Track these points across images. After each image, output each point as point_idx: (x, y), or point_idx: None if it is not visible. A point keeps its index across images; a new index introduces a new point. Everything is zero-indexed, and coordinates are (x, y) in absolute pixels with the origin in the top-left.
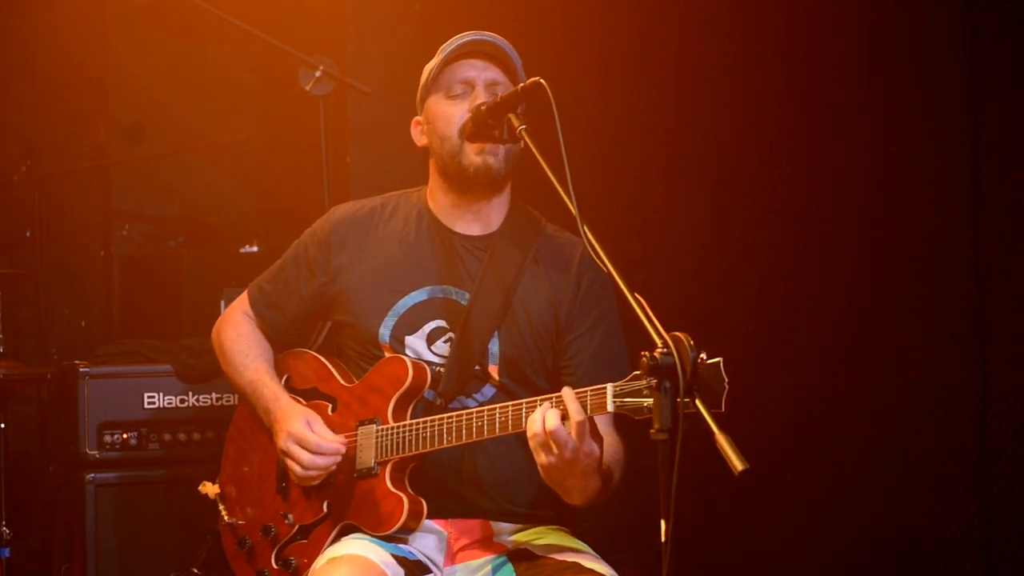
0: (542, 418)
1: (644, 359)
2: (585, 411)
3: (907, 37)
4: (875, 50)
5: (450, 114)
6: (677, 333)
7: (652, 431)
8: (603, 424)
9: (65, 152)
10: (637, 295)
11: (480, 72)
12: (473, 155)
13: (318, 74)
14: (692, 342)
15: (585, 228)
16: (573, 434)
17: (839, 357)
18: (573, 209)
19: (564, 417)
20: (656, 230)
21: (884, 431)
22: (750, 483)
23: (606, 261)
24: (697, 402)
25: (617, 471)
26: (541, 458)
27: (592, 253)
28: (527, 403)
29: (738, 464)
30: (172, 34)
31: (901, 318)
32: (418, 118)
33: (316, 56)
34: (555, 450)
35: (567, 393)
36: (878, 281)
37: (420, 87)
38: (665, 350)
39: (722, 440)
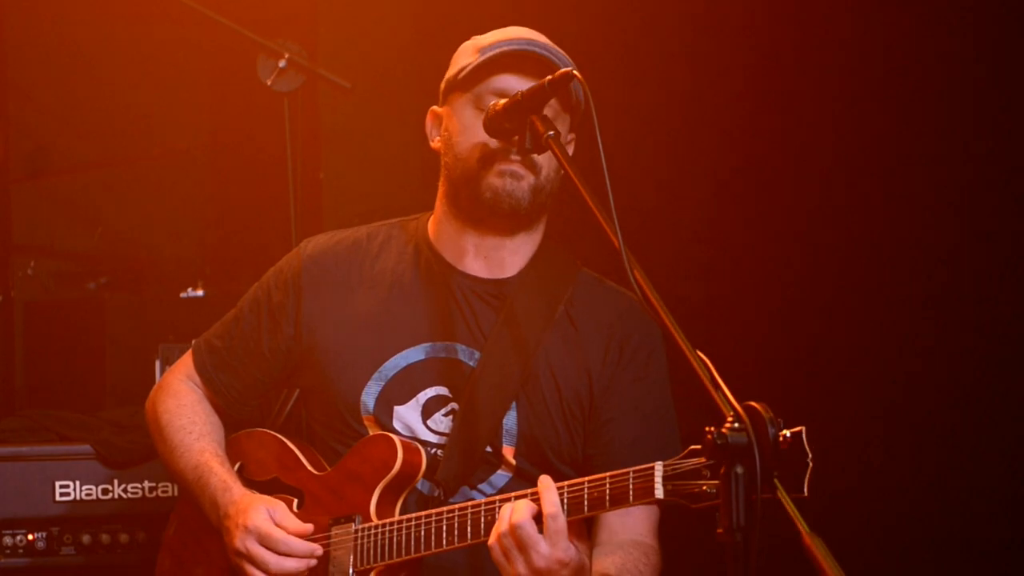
0: (509, 511)
1: (710, 436)
2: (627, 497)
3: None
4: (944, 54)
5: (475, 130)
6: (752, 403)
7: (720, 531)
8: (636, 524)
9: None
10: (701, 354)
11: (524, 86)
12: (493, 178)
13: (282, 64)
14: (772, 414)
15: (634, 271)
16: (544, 532)
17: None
18: (616, 240)
19: (538, 515)
20: (727, 270)
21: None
22: None
23: (660, 309)
24: (780, 493)
25: None
26: (507, 571)
27: (642, 299)
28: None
29: None
30: (92, 14)
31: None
32: (437, 110)
33: (280, 40)
34: (520, 555)
35: (543, 481)
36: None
37: (448, 75)
38: (737, 425)
39: (813, 546)
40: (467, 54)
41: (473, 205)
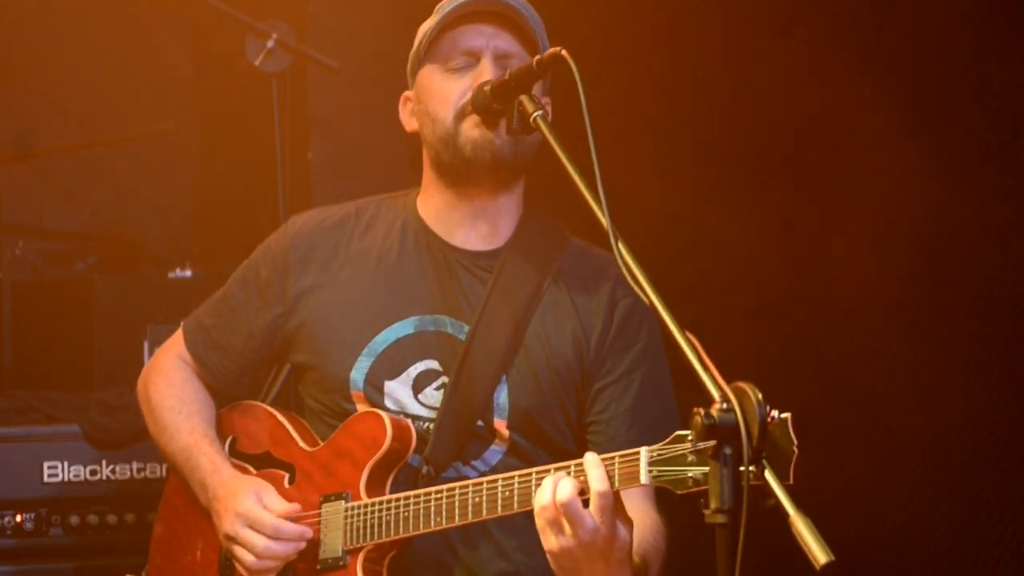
0: (552, 488)
1: (698, 417)
2: (612, 482)
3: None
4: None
5: (447, 91)
6: (741, 384)
7: (709, 512)
8: (639, 499)
9: None
10: (689, 334)
11: (488, 40)
12: (471, 128)
13: (270, 44)
14: (760, 395)
15: (620, 245)
16: (593, 509)
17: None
18: (604, 221)
19: (583, 490)
20: (712, 251)
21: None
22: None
23: (647, 289)
24: (767, 474)
25: (656, 562)
26: (550, 541)
27: (629, 277)
28: (537, 472)
29: (820, 556)
30: None
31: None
32: (408, 93)
33: (268, 21)
34: (568, 529)
35: (590, 458)
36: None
37: (411, 54)
38: (725, 405)
39: (799, 525)
40: (426, 26)
41: (454, 161)
